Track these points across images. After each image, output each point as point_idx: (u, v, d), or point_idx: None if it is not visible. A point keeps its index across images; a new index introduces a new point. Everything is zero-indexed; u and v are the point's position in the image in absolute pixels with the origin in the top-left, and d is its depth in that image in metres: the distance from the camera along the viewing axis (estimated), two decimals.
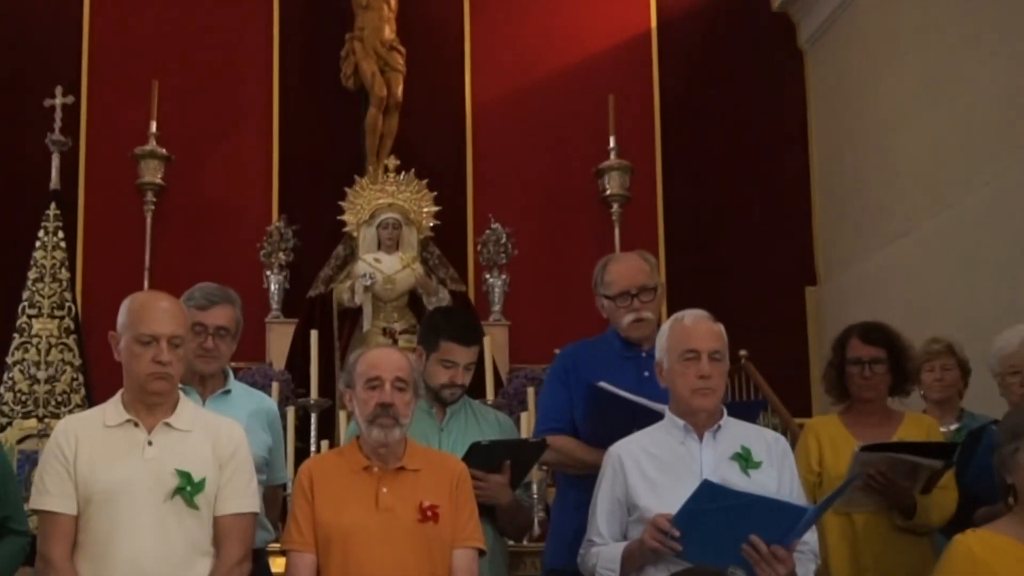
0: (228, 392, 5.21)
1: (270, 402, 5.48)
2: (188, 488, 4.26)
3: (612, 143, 11.64)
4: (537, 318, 11.45)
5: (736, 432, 4.57)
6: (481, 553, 4.59)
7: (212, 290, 5.20)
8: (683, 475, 4.36)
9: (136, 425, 4.34)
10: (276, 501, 5.65)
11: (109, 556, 4.20)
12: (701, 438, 4.50)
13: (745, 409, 4.99)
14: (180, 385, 4.73)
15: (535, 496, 7.13)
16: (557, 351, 5.66)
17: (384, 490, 4.46)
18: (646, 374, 4.83)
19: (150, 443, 4.32)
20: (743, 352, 10.64)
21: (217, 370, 5.18)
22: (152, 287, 9.98)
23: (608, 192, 11.75)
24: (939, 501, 5.23)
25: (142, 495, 4.23)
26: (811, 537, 4.45)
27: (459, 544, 4.50)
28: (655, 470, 4.45)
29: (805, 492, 4.78)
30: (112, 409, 4.40)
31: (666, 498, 4.31)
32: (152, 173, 11.34)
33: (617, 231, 11.61)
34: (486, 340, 7.44)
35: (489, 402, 7.85)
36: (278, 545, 5.02)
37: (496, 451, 5.01)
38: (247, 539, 4.40)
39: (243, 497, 4.41)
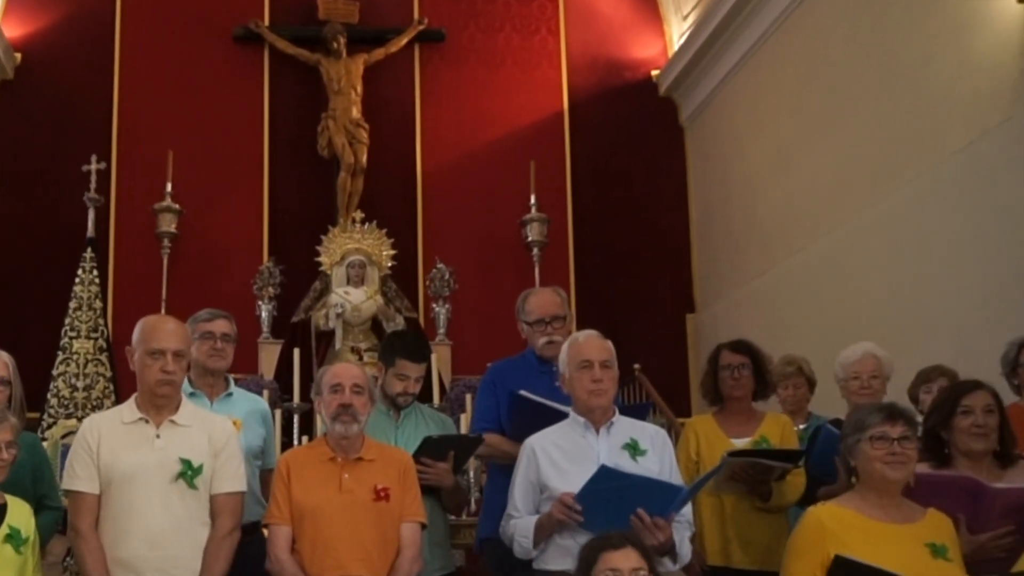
0: (230, 395, 5.17)
1: (264, 403, 5.42)
2: (189, 472, 4.23)
3: (533, 200, 11.67)
4: (474, 339, 11.37)
5: (626, 427, 4.50)
6: (423, 526, 4.55)
7: (214, 310, 5.22)
8: (584, 461, 4.30)
9: (147, 422, 4.30)
10: (270, 483, 5.55)
11: (127, 527, 4.17)
12: (598, 432, 4.45)
13: (635, 410, 4.91)
14: (192, 390, 4.81)
15: (471, 480, 7.18)
16: (489, 365, 5.54)
17: (346, 476, 4.43)
18: (557, 384, 4.71)
19: (158, 436, 4.29)
20: (637, 366, 10.59)
21: (224, 368, 5.13)
22: (168, 314, 9.90)
23: (530, 239, 11.77)
24: (791, 485, 5.22)
25: (153, 478, 4.20)
26: (687, 510, 4.39)
27: (406, 519, 4.46)
28: (561, 458, 4.39)
29: (684, 476, 4.73)
30: (127, 409, 4.37)
31: (570, 480, 4.26)
32: (168, 224, 11.38)
33: (537, 270, 11.61)
34: (433, 357, 7.60)
35: (435, 406, 7.86)
36: None
37: (443, 444, 4.96)
38: (237, 512, 4.36)
39: (233, 479, 4.37)
